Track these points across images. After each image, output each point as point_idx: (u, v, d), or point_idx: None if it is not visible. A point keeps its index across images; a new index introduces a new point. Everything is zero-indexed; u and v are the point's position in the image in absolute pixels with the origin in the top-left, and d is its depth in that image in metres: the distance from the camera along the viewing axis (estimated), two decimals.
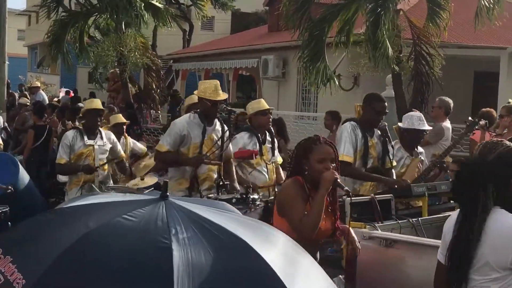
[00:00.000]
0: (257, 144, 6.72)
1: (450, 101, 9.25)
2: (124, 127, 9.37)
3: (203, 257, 2.44)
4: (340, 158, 5.68)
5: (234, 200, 5.65)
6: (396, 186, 5.80)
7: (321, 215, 3.84)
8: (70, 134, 7.29)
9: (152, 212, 2.53)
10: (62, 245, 2.42)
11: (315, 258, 3.69)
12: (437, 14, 10.86)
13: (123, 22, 14.61)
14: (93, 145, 7.23)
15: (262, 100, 7.01)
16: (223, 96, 6.27)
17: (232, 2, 28.92)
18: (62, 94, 23.46)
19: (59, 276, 2.36)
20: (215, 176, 6.29)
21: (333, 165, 3.97)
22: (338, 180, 3.92)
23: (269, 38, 20.76)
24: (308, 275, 2.83)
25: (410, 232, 5.04)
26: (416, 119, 6.50)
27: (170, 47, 27.03)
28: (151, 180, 6.63)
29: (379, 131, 6.18)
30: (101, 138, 7.34)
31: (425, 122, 6.57)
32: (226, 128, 6.35)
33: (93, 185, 7.07)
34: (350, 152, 5.92)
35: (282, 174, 7.00)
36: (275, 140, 7.06)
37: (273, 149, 6.89)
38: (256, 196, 5.84)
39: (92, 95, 24.66)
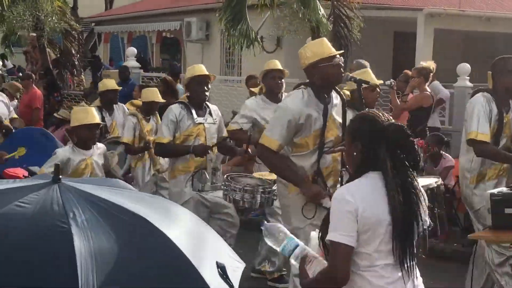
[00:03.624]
0: None
1: (366, 63, 9.34)
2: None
3: (104, 238, 2.45)
4: (473, 136, 5.06)
5: None
6: None
7: None
8: (175, 108, 5.74)
9: (47, 196, 2.48)
10: None
11: None
12: None
13: None
14: (203, 123, 5.76)
15: (370, 72, 5.78)
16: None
17: None
18: None
19: None
20: (340, 167, 4.68)
21: None
22: None
23: (192, 0, 20.47)
24: (214, 250, 2.86)
25: None
26: None
27: (93, 9, 26.27)
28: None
29: None
30: (210, 114, 5.84)
31: None
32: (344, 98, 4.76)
33: (206, 172, 5.66)
34: (486, 129, 5.05)
35: None
36: None
37: None
38: None
39: (4, 57, 23.61)
